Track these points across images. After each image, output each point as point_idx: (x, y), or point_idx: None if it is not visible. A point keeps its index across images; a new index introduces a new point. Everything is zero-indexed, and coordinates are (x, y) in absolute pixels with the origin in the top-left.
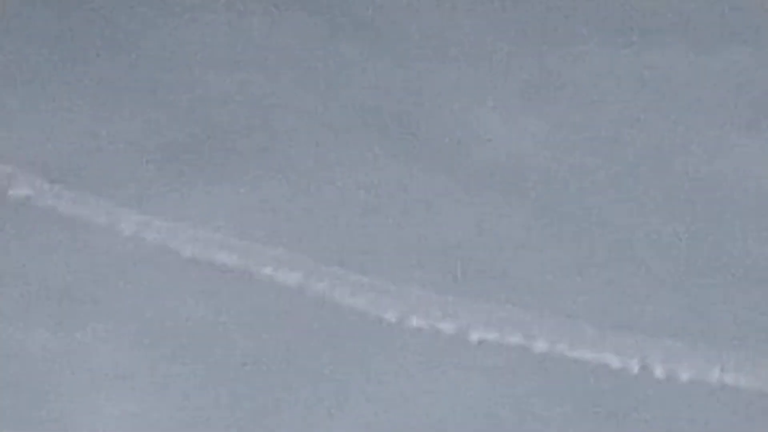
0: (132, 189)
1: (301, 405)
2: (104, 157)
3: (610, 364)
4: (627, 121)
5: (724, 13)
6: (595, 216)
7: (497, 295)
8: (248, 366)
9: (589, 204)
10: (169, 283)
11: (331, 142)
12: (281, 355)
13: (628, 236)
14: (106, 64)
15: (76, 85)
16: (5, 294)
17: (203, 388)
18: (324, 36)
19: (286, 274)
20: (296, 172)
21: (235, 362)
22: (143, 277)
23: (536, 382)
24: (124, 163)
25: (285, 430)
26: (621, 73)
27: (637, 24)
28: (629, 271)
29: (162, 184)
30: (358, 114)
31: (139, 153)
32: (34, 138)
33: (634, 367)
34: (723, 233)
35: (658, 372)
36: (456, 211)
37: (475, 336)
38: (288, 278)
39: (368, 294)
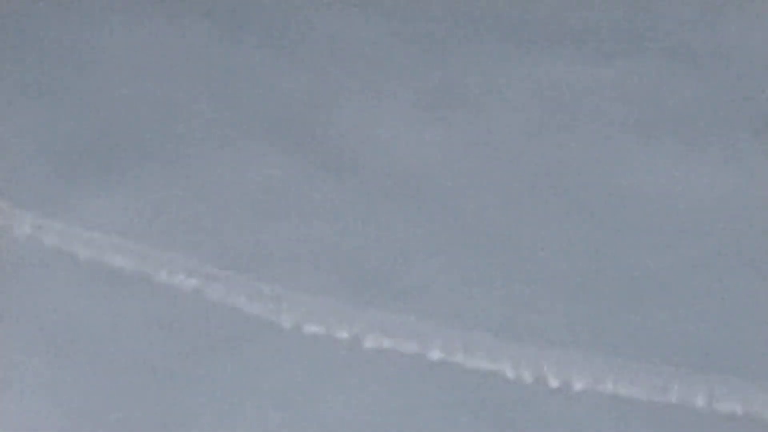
0: (29, 191)
1: (195, 409)
2: (0, 157)
3: (506, 374)
4: (525, 131)
5: (621, 23)
6: (492, 225)
7: (393, 303)
8: (144, 370)
9: (487, 213)
10: (65, 286)
11: (230, 147)
12: (176, 359)
13: (525, 246)
14: (6, 63)
15: None
16: None
17: (97, 392)
18: (225, 42)
19: (183, 279)
20: (194, 177)
21: (130, 366)
22: (39, 280)
23: (430, 391)
24: (21, 164)
25: None
26: (520, 83)
27: (536, 34)
28: (526, 282)
29: (59, 186)
30: (257, 119)
31: (36, 154)
32: None
33: (529, 377)
34: (619, 245)
35: (553, 382)
36: (353, 217)
37: (370, 343)
38: (184, 283)
39: (264, 300)
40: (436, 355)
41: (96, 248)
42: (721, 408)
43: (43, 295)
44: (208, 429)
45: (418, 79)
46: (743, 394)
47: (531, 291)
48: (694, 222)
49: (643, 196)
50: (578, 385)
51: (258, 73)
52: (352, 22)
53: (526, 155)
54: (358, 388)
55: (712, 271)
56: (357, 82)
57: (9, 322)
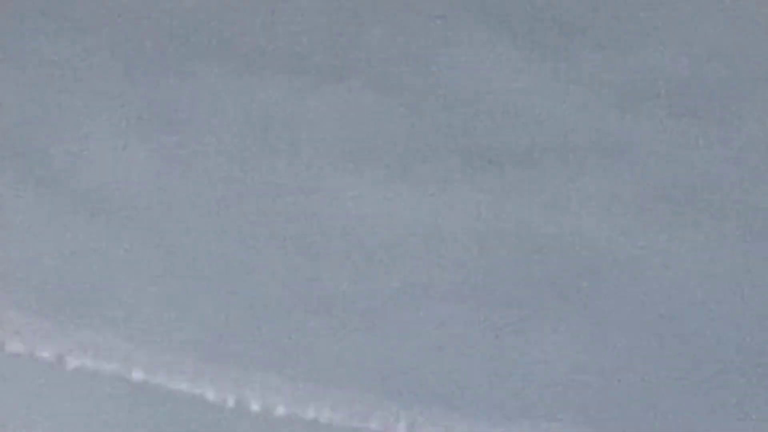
0: None
1: None
2: None
3: (208, 397)
4: (232, 156)
5: (329, 53)
6: (197, 248)
7: (97, 323)
8: None
9: (192, 236)
10: None
11: None
12: None
13: (231, 270)
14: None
15: None
16: None
17: None
18: None
19: None
20: None
21: None
22: None
23: (133, 412)
24: None
25: None
26: (229, 109)
27: (247, 60)
28: (229, 305)
29: None
30: None
31: None
32: None
33: (231, 401)
34: (321, 271)
35: (254, 406)
36: (55, 235)
37: (72, 363)
38: None
39: None
40: (138, 376)
41: None
42: None
43: None
44: None
45: (126, 101)
46: (445, 422)
47: (233, 314)
48: (400, 250)
49: (347, 224)
50: (280, 410)
51: None
52: (59, 42)
53: (232, 180)
54: (60, 408)
55: (414, 300)
56: (64, 101)
57: None
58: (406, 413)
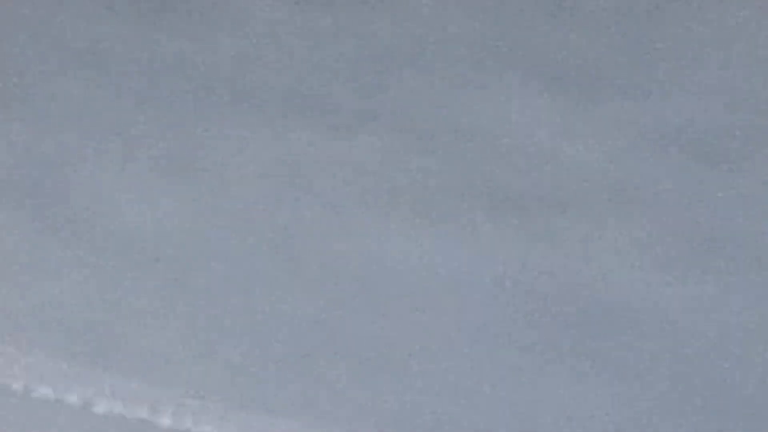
0: None
1: None
2: None
3: None
4: (262, 201)
5: (357, 99)
6: (226, 294)
7: (124, 367)
8: None
9: (222, 283)
10: None
11: None
12: None
13: (260, 315)
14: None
15: None
16: None
17: None
18: None
19: None
20: None
21: None
22: None
23: None
24: None
25: None
26: (259, 154)
27: (277, 106)
28: (265, 351)
29: None
30: None
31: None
32: None
33: None
34: (349, 316)
35: None
36: (84, 280)
37: (100, 408)
38: None
39: None
40: (166, 422)
41: None
42: None
43: None
44: None
45: (153, 145)
46: None
47: (259, 361)
48: (422, 295)
49: (376, 269)
50: None
51: None
52: (84, 84)
53: (263, 225)
54: None
55: (435, 345)
56: (92, 145)
57: None
58: None
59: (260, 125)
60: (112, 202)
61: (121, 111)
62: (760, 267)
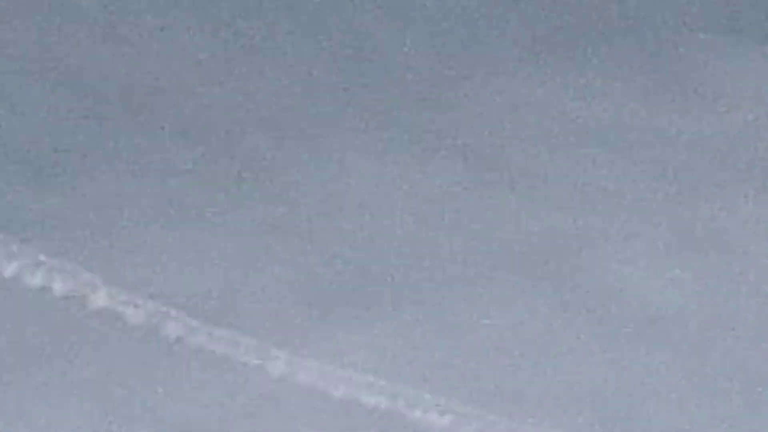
0: (282, 329)
1: None
2: (255, 298)
3: None
4: None
5: None
6: (736, 367)
7: None
8: None
9: (736, 357)
10: (318, 423)
11: (481, 285)
12: None
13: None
14: (265, 209)
15: (232, 227)
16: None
17: None
18: (472, 181)
19: (436, 418)
20: (447, 316)
21: None
22: (292, 417)
23: None
24: (275, 305)
25: None
26: None
27: None
28: None
29: (311, 326)
30: (506, 258)
31: (289, 295)
32: (187, 276)
33: None
34: None
35: None
36: (602, 359)
37: None
38: (437, 422)
39: None
40: None
41: (350, 386)
42: None
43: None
44: None
45: (668, 219)
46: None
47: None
48: None
49: None
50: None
51: (505, 212)
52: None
53: None
54: None
55: None
56: (607, 222)
57: None
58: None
59: None
60: (628, 278)
61: (632, 188)
62: None
